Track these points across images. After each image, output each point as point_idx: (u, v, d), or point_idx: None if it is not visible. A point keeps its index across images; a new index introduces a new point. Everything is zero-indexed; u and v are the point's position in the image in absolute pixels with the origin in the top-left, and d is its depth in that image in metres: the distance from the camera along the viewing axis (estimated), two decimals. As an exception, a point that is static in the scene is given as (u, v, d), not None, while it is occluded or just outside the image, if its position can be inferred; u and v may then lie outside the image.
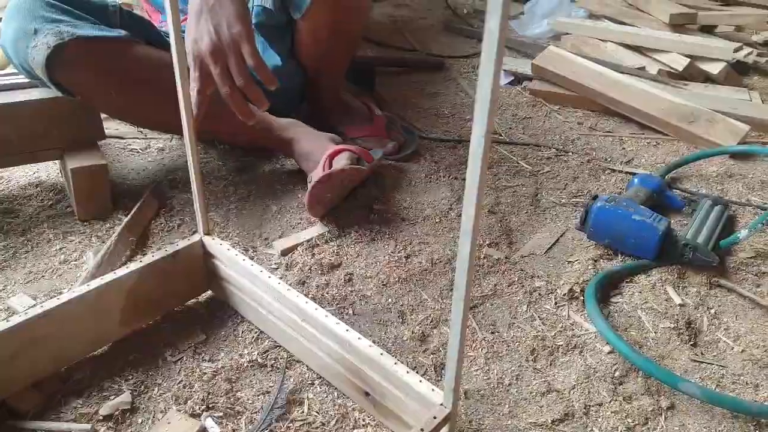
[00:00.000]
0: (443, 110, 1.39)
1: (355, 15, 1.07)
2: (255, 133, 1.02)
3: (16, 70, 0.93)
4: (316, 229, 0.92)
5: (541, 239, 0.94)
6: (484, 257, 0.89)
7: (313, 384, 0.67)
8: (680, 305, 0.81)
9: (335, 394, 0.66)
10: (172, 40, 0.62)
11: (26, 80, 0.92)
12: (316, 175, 0.92)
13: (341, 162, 0.94)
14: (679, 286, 0.85)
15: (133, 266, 0.70)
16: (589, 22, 1.84)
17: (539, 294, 0.82)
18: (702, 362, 0.73)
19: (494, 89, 0.39)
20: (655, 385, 0.69)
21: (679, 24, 1.79)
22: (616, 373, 0.70)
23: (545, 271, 0.87)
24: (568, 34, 1.83)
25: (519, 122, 1.35)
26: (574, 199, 1.06)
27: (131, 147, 1.15)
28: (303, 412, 0.64)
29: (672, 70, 1.56)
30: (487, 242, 0.92)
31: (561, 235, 0.95)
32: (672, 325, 0.77)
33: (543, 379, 0.69)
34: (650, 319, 0.79)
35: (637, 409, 0.66)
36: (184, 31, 1.07)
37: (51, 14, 0.84)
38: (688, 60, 1.55)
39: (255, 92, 0.80)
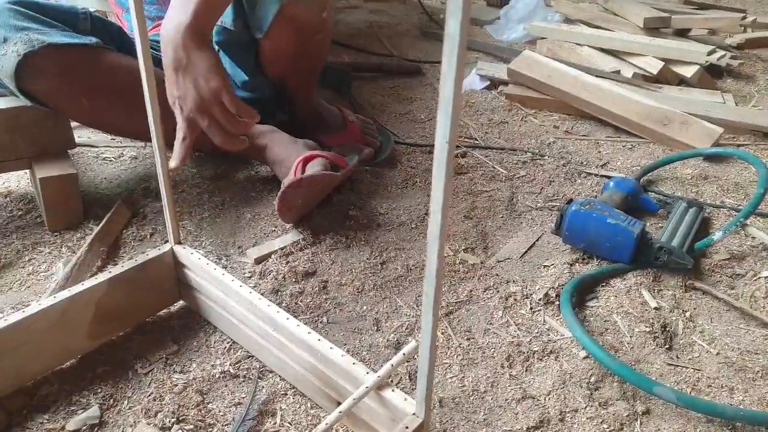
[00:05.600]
0: (419, 115, 1.39)
1: (319, 31, 1.06)
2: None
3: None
4: (291, 237, 0.91)
5: (516, 244, 0.95)
6: (459, 262, 0.89)
7: (286, 394, 0.66)
8: (655, 309, 0.81)
9: (308, 404, 0.65)
10: (138, 50, 0.62)
11: (-8, 88, 0.90)
12: (287, 180, 0.91)
13: (314, 168, 0.93)
14: (654, 290, 0.85)
15: (101, 277, 0.68)
16: (564, 27, 1.87)
17: (515, 299, 0.82)
18: (677, 366, 0.73)
19: (456, 93, 0.38)
20: (630, 390, 0.69)
21: (653, 27, 1.82)
22: (592, 379, 0.70)
23: (521, 275, 0.87)
24: (543, 38, 1.85)
25: (495, 127, 1.36)
26: (549, 203, 1.06)
27: (104, 155, 1.13)
28: (275, 423, 0.63)
29: (646, 74, 1.58)
30: (463, 247, 0.92)
31: (537, 240, 0.96)
32: (647, 329, 0.78)
33: (518, 386, 0.69)
34: (626, 323, 0.79)
35: (613, 414, 0.66)
36: (152, 40, 1.06)
37: (20, 22, 0.83)
38: (663, 63, 1.58)
39: (243, 129, 0.86)
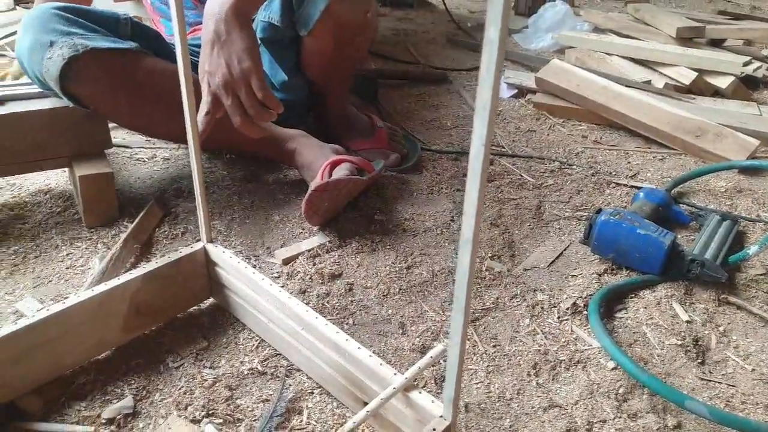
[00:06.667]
0: (446, 122, 1.40)
1: (362, 32, 1.08)
2: (261, 144, 1.03)
3: (29, 80, 0.95)
4: (318, 239, 0.92)
5: (544, 252, 0.94)
6: (486, 270, 0.89)
7: (312, 393, 0.67)
8: (687, 322, 0.80)
9: (334, 404, 0.66)
10: (178, 55, 0.64)
11: (38, 90, 0.93)
12: (314, 184, 0.92)
13: (341, 172, 0.94)
14: (685, 303, 0.84)
15: (136, 272, 0.70)
16: (593, 36, 1.85)
17: (542, 308, 0.82)
18: (710, 381, 0.72)
19: (494, 98, 0.39)
20: (661, 403, 0.68)
21: (686, 38, 1.80)
22: (621, 390, 0.69)
23: (548, 284, 0.87)
24: (572, 47, 1.84)
25: (522, 135, 1.35)
26: (578, 213, 1.05)
27: (138, 156, 1.16)
28: (302, 421, 0.64)
29: (679, 84, 1.56)
30: (489, 255, 0.92)
31: (564, 249, 0.95)
32: (679, 342, 0.76)
33: (545, 394, 0.68)
34: (656, 335, 0.78)
35: (642, 427, 0.65)
36: (192, 45, 1.09)
37: (65, 27, 0.86)
38: (696, 74, 1.56)
39: (265, 118, 0.85)
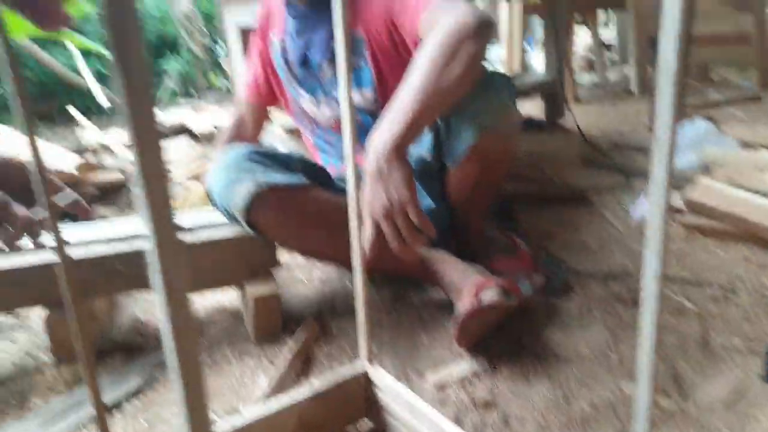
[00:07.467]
0: (590, 243, 1.38)
1: (503, 164, 1.15)
2: (410, 266, 1.09)
3: (210, 209, 1.12)
4: (467, 363, 0.93)
5: (717, 388, 0.85)
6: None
7: None
8: None
9: None
10: (349, 196, 0.73)
11: (222, 219, 1.10)
12: (463, 307, 0.94)
13: (488, 294, 0.96)
14: None
15: (305, 391, 0.75)
16: (743, 152, 1.77)
17: (725, 454, 0.73)
18: None
19: (662, 236, 0.40)
20: None
21: None
22: None
23: (728, 426, 0.78)
24: (717, 164, 1.76)
25: (672, 256, 1.29)
26: (750, 344, 0.95)
27: (296, 276, 1.28)
28: None
29: None
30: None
31: (741, 385, 0.85)
32: None
33: None
34: None
35: None
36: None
37: (250, 165, 1.03)
38: None
39: (420, 243, 0.92)
